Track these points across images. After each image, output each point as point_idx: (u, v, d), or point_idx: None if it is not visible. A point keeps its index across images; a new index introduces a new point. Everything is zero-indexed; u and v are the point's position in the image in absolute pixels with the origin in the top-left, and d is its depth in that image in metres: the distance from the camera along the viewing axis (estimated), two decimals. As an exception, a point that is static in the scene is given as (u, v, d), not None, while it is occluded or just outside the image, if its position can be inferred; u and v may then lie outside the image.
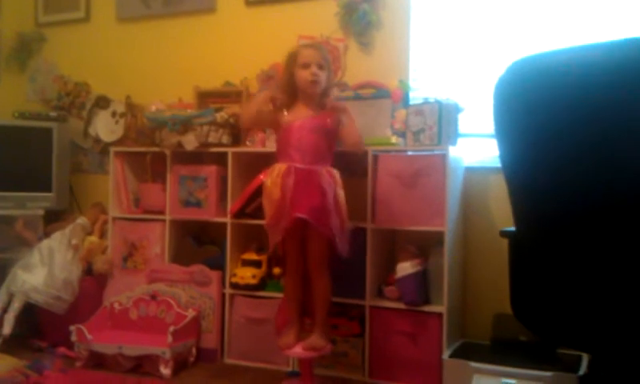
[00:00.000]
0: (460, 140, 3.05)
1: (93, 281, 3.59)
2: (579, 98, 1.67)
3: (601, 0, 3.02)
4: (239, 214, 3.27)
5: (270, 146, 3.23)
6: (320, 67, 2.81)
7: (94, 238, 3.70)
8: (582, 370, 2.53)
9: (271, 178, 2.75)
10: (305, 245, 2.77)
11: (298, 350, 2.77)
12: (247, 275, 3.25)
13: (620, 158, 1.63)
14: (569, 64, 1.71)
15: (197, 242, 3.58)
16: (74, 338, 3.16)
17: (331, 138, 2.84)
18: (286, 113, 2.86)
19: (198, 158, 3.48)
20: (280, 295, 3.12)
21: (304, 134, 2.78)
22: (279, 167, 2.76)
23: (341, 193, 2.76)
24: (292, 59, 2.85)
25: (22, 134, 3.91)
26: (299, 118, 2.81)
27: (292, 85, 2.85)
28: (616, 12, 2.98)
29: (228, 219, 3.32)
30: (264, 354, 3.20)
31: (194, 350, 3.23)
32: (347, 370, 3.05)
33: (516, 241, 2.06)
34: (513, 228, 2.04)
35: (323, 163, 2.77)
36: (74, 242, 3.61)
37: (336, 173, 2.78)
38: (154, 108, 3.61)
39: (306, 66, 2.81)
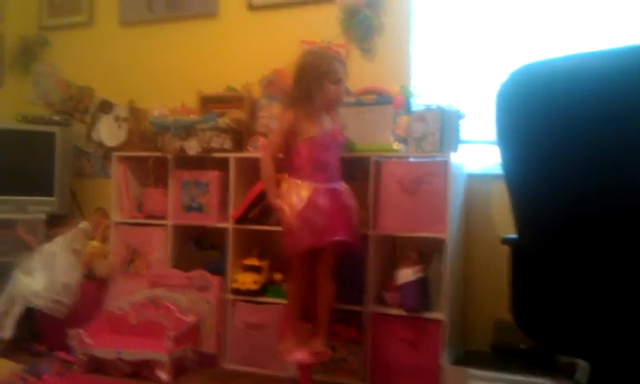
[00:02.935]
0: (462, 147, 3.04)
1: (94, 285, 3.58)
2: (581, 106, 1.66)
3: (603, 7, 3.01)
4: (242, 219, 3.27)
5: (268, 143, 3.19)
6: (343, 82, 2.86)
7: (96, 243, 3.69)
8: (579, 377, 2.52)
9: (297, 195, 2.74)
10: (315, 253, 2.78)
11: (298, 355, 2.76)
12: (248, 281, 3.25)
13: (622, 166, 1.62)
14: (571, 71, 1.71)
15: (198, 247, 3.58)
16: (72, 342, 3.15)
17: (340, 151, 2.91)
18: (301, 125, 2.82)
19: (200, 163, 3.48)
20: (281, 301, 3.13)
21: (326, 150, 2.82)
22: (305, 186, 2.75)
23: (355, 203, 2.86)
24: (322, 73, 2.77)
25: (25, 138, 3.92)
26: (318, 125, 2.82)
27: (312, 96, 2.78)
28: (618, 19, 2.97)
29: (230, 224, 3.32)
30: (263, 360, 3.19)
31: (192, 355, 3.22)
32: (346, 376, 3.04)
33: (517, 248, 2.04)
34: (514, 235, 2.03)
35: (340, 178, 2.85)
36: (75, 246, 3.60)
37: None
38: (156, 113, 3.61)
39: (338, 82, 2.81)
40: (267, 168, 2.82)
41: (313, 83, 2.77)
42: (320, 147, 2.80)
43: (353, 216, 2.82)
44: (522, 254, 2.02)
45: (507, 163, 1.94)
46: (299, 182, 2.77)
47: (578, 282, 1.80)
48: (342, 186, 2.84)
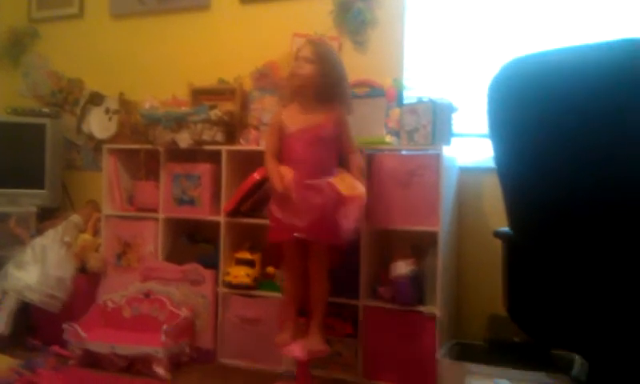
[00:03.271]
0: (454, 140, 3.04)
1: (86, 279, 3.57)
2: (573, 99, 1.66)
3: (594, 0, 3.01)
4: (234, 212, 3.26)
5: (264, 145, 3.22)
6: (308, 61, 2.80)
7: (87, 236, 3.68)
8: (575, 371, 2.53)
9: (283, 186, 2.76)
10: (307, 248, 2.78)
11: (294, 350, 2.76)
12: (241, 274, 3.24)
13: (613, 158, 1.62)
14: (563, 64, 1.71)
15: (190, 241, 3.57)
16: (67, 336, 3.15)
17: (331, 145, 2.82)
18: (285, 120, 2.86)
19: (191, 155, 3.46)
20: (274, 295, 3.13)
21: (304, 146, 2.79)
22: (289, 175, 2.76)
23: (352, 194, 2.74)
24: (294, 55, 2.89)
25: (15, 130, 3.90)
26: (293, 121, 2.83)
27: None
28: (610, 12, 2.97)
29: (222, 218, 3.31)
30: (258, 354, 3.19)
31: (188, 350, 3.22)
32: (341, 371, 3.04)
33: (510, 242, 2.05)
34: (507, 229, 2.03)
35: (324, 174, 2.76)
36: (66, 239, 3.59)
37: (340, 179, 2.77)
38: (147, 105, 3.59)
39: (297, 58, 2.84)
40: (269, 163, 2.84)
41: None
42: (298, 144, 2.80)
43: (327, 213, 2.69)
44: (515, 247, 2.02)
45: (499, 156, 1.94)
46: (287, 170, 2.79)
47: (571, 275, 1.81)
48: (324, 183, 2.73)
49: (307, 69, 2.80)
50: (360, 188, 2.77)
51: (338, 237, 2.70)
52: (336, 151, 2.85)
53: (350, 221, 2.71)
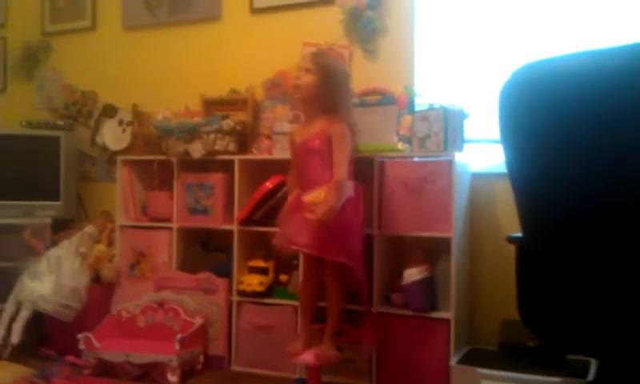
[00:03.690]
0: (466, 146, 3.04)
1: (100, 289, 3.59)
2: (584, 104, 1.67)
3: (604, 6, 3.01)
4: (247, 221, 3.28)
5: (276, 154, 3.25)
6: (306, 71, 2.80)
7: (101, 247, 3.70)
8: (591, 376, 2.52)
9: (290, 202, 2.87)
10: (322, 259, 2.78)
11: (305, 357, 2.77)
12: (254, 282, 3.25)
13: (626, 163, 1.62)
14: (573, 70, 1.72)
15: (204, 250, 3.59)
16: (81, 346, 3.16)
17: (327, 158, 2.76)
18: (295, 134, 2.91)
19: (204, 165, 3.48)
20: (287, 302, 3.14)
21: (303, 158, 2.83)
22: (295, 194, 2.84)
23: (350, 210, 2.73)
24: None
25: (30, 143, 3.93)
26: (301, 134, 2.87)
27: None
28: (619, 17, 2.97)
29: (235, 226, 3.32)
30: (271, 362, 3.19)
31: (201, 358, 3.23)
32: (354, 377, 3.04)
33: (523, 247, 2.06)
34: (520, 234, 2.04)
35: (321, 186, 2.72)
36: (81, 250, 3.61)
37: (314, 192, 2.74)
38: (160, 116, 3.62)
39: (297, 70, 2.86)
40: (289, 182, 2.97)
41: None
42: (300, 156, 2.84)
43: (326, 228, 2.63)
44: (528, 252, 2.03)
45: (511, 162, 1.95)
46: (296, 191, 2.86)
47: (583, 279, 1.81)
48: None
49: (306, 79, 2.79)
50: (321, 196, 2.67)
51: (336, 250, 2.69)
52: (330, 163, 2.76)
53: (350, 236, 2.73)
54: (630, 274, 1.70)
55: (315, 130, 2.79)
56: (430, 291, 2.94)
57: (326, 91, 2.79)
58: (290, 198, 2.87)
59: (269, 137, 3.38)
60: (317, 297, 2.88)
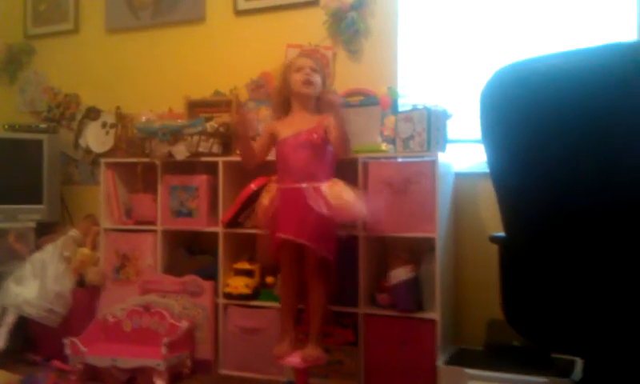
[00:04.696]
0: (449, 146, 3.05)
1: (85, 293, 3.57)
2: (564, 104, 1.68)
3: (585, 6, 3.03)
4: (231, 223, 3.27)
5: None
6: (313, 70, 2.92)
7: (85, 250, 3.68)
8: (576, 375, 2.53)
9: (267, 198, 2.91)
10: (302, 256, 2.80)
11: (292, 359, 2.77)
12: (240, 285, 3.25)
13: (608, 162, 1.63)
14: (554, 70, 1.72)
15: (189, 252, 3.57)
16: (67, 351, 3.15)
17: (322, 152, 2.85)
18: (279, 128, 2.94)
19: (188, 167, 3.48)
20: (273, 304, 3.14)
21: (293, 151, 2.85)
22: (273, 188, 2.89)
23: (330, 205, 2.75)
24: (287, 68, 2.98)
25: (13, 146, 3.90)
26: (295, 126, 2.88)
27: (285, 93, 2.98)
28: (600, 18, 2.99)
29: (220, 229, 3.32)
30: (259, 365, 3.19)
31: (188, 362, 3.22)
32: (342, 379, 3.04)
33: (506, 246, 2.06)
34: (502, 233, 2.04)
35: (313, 179, 2.79)
36: (65, 254, 3.59)
37: (329, 186, 2.80)
38: (144, 118, 3.60)
39: (300, 69, 2.91)
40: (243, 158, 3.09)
41: (281, 79, 3.00)
42: (288, 149, 2.86)
43: (314, 217, 2.72)
44: (510, 251, 2.04)
45: (493, 162, 1.96)
46: (273, 184, 2.92)
47: (567, 278, 1.82)
48: (310, 186, 2.77)
49: (316, 78, 2.92)
50: (347, 197, 2.78)
51: (320, 242, 2.73)
52: (328, 158, 2.88)
53: (331, 230, 2.80)
54: (614, 272, 1.71)
55: (311, 125, 2.86)
56: (415, 291, 2.94)
57: (324, 90, 2.98)
58: (272, 195, 2.89)
59: (253, 138, 3.37)
60: (298, 297, 2.88)
